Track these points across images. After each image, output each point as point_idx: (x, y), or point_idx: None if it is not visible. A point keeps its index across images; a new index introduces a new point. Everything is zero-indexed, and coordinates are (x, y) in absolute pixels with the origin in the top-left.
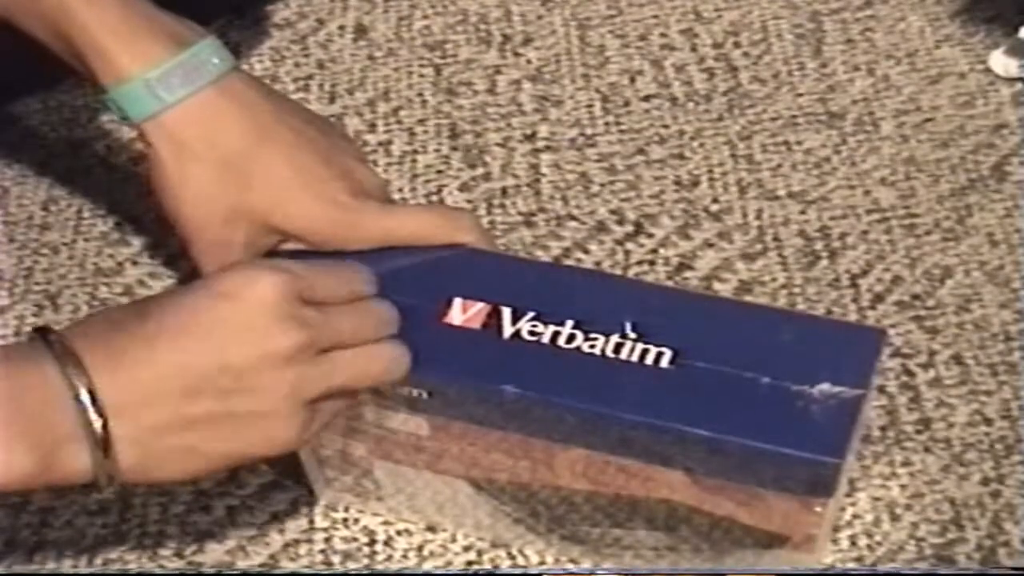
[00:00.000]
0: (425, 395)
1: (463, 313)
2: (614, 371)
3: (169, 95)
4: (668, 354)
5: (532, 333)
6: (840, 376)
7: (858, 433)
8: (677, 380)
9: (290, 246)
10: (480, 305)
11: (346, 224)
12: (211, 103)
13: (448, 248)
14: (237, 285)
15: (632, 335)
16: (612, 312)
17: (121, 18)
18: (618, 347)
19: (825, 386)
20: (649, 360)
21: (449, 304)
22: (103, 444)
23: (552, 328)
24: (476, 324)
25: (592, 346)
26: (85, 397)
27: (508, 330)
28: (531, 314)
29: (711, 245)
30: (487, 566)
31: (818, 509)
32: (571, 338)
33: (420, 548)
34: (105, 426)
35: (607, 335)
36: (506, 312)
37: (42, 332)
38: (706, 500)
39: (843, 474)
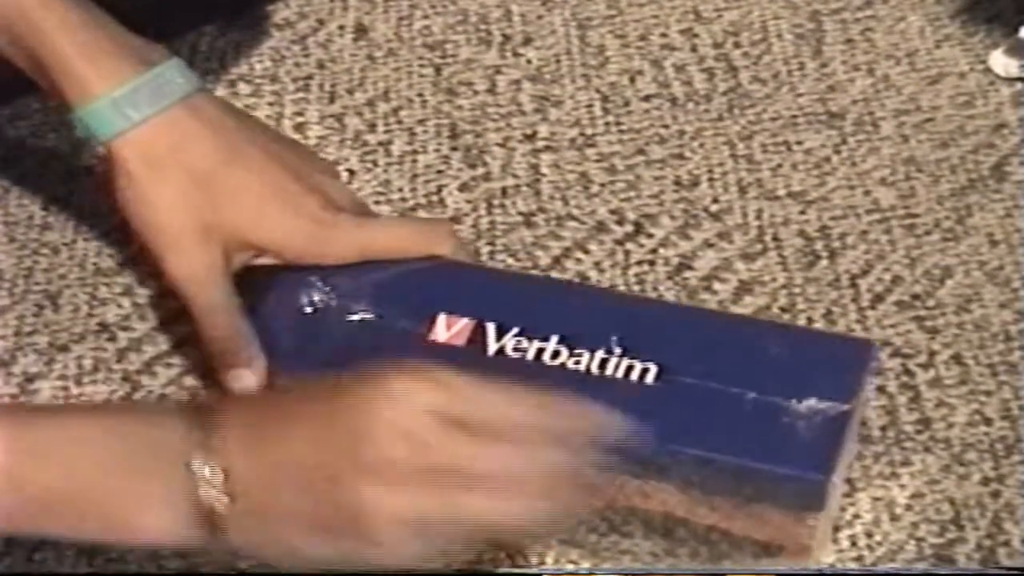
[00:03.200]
0: None
1: (447, 330)
2: (600, 388)
3: (136, 113)
4: (654, 370)
5: (517, 349)
6: (827, 391)
7: (846, 447)
8: (663, 397)
9: (264, 261)
10: (464, 321)
11: (321, 238)
12: (179, 121)
13: (429, 261)
14: (393, 393)
15: (617, 350)
16: (597, 327)
17: (89, 39)
18: (603, 363)
19: (812, 401)
20: (634, 376)
21: (433, 321)
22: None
23: (537, 344)
24: (461, 341)
25: (577, 362)
26: (218, 474)
27: (493, 347)
28: (516, 330)
29: (711, 245)
30: (487, 566)
31: (810, 523)
32: (556, 354)
33: None
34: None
35: (592, 351)
36: (491, 328)
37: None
38: (700, 513)
39: (832, 489)
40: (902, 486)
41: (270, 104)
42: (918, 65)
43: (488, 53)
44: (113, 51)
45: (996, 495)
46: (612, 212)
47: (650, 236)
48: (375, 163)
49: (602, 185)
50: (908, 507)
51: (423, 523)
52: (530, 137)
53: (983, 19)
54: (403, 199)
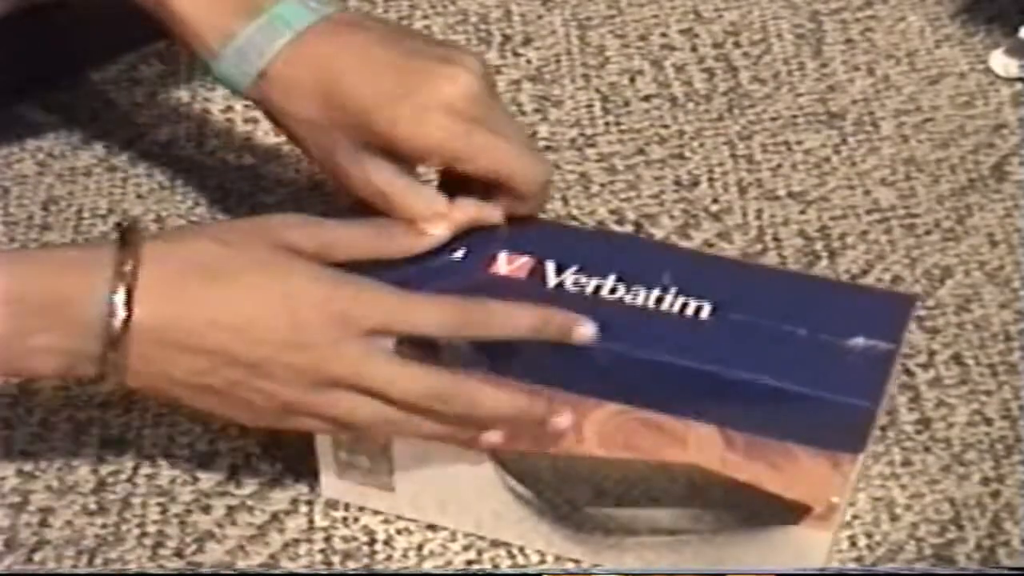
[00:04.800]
0: (464, 344)
1: (508, 265)
2: (655, 321)
3: (261, 59)
4: (707, 307)
5: (576, 284)
6: (873, 331)
7: (889, 388)
8: (716, 329)
9: None
10: (525, 259)
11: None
12: (312, 47)
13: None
14: (316, 300)
15: (673, 289)
16: (653, 269)
17: None
18: (659, 300)
19: (859, 339)
20: (689, 312)
21: (494, 258)
22: (116, 340)
23: (595, 281)
24: (521, 274)
25: (634, 298)
26: (121, 295)
27: (552, 281)
28: (574, 267)
29: (711, 245)
30: (487, 566)
31: (846, 468)
32: (613, 290)
33: (420, 547)
34: (126, 324)
35: (648, 288)
36: (550, 265)
37: (125, 230)
38: (733, 463)
39: (874, 426)
40: (902, 486)
41: None
42: (918, 65)
43: (488, 53)
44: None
45: (996, 495)
46: (612, 212)
47: (650, 236)
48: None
49: (602, 185)
50: (908, 507)
51: (310, 410)
52: (530, 137)
53: (983, 19)
54: None
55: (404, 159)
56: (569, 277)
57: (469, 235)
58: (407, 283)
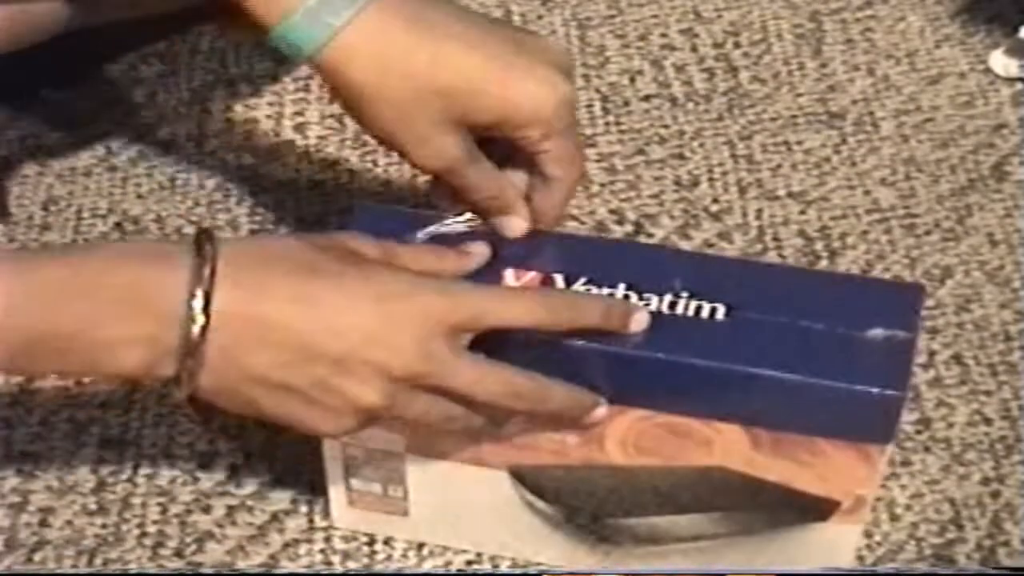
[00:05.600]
0: (482, 358)
1: (517, 281)
2: (672, 324)
3: (335, 19)
4: (722, 308)
5: None
6: (890, 322)
7: (911, 377)
8: (735, 329)
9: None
10: (532, 274)
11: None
12: (378, 18)
13: (480, 226)
14: (403, 293)
15: (684, 294)
16: (662, 275)
17: None
18: (673, 304)
19: (878, 331)
20: (704, 314)
21: (501, 275)
22: (194, 346)
23: (606, 290)
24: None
25: (647, 304)
26: (199, 301)
27: None
28: (583, 279)
29: (711, 245)
30: (487, 566)
31: (875, 457)
32: (625, 298)
33: (420, 547)
34: (203, 330)
35: (660, 294)
36: (558, 278)
37: (201, 235)
38: (760, 462)
39: (901, 416)
40: (902, 486)
41: (270, 104)
42: (918, 65)
43: None
44: None
45: (996, 495)
46: (612, 212)
47: (650, 236)
48: (375, 163)
49: (602, 185)
50: (908, 507)
51: (386, 413)
52: None
53: (983, 19)
54: (403, 199)
55: (510, 127)
56: (580, 289)
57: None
58: None
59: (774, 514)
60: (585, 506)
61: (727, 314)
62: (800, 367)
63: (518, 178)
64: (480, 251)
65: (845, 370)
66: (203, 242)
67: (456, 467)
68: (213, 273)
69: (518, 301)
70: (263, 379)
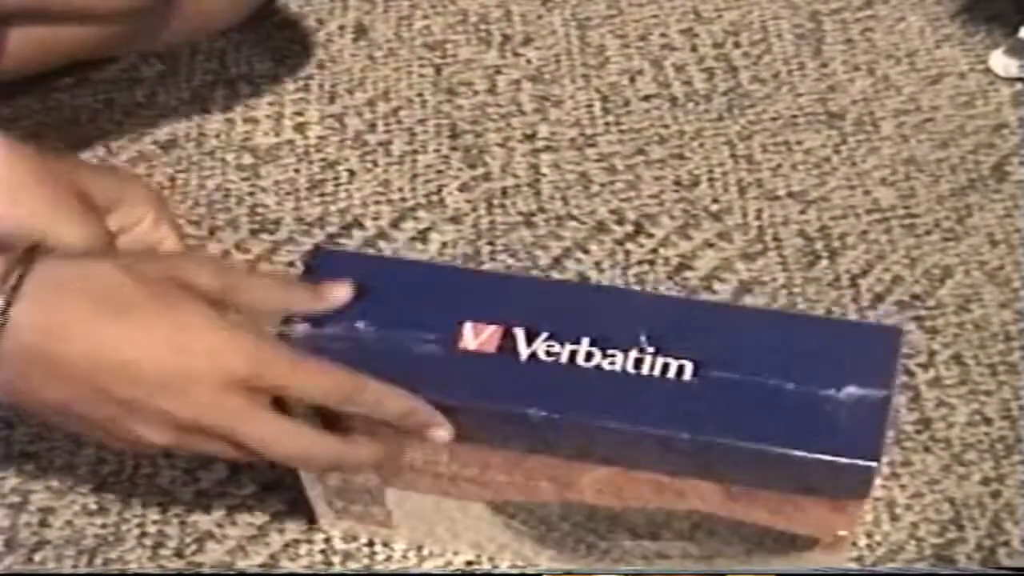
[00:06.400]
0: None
1: (475, 337)
2: (638, 386)
3: None
4: (690, 366)
5: (549, 353)
6: (864, 379)
7: (888, 432)
8: (703, 392)
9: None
10: (492, 328)
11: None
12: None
13: (439, 268)
14: (207, 347)
15: (650, 349)
16: (625, 326)
17: None
18: (638, 362)
19: (852, 389)
20: (671, 373)
21: (460, 330)
22: None
23: (569, 347)
24: (491, 348)
25: (612, 363)
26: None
27: (524, 352)
28: (545, 334)
29: (711, 245)
30: (487, 566)
31: (851, 510)
32: (589, 356)
33: (420, 547)
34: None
35: (625, 351)
36: (519, 333)
37: (33, 249)
38: (737, 510)
39: (877, 477)
40: (902, 486)
41: (270, 104)
42: (918, 65)
43: (488, 53)
44: None
45: (996, 495)
46: (612, 212)
47: (650, 236)
48: (375, 163)
49: (602, 185)
50: (908, 507)
51: (184, 447)
52: (530, 137)
53: (983, 19)
54: (403, 199)
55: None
56: (541, 346)
57: (425, 295)
58: (379, 362)
59: (755, 545)
60: (567, 532)
61: (695, 373)
62: (771, 434)
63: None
64: (339, 295)
65: (817, 436)
66: (27, 253)
67: (435, 498)
68: (18, 285)
69: (326, 379)
70: (53, 407)
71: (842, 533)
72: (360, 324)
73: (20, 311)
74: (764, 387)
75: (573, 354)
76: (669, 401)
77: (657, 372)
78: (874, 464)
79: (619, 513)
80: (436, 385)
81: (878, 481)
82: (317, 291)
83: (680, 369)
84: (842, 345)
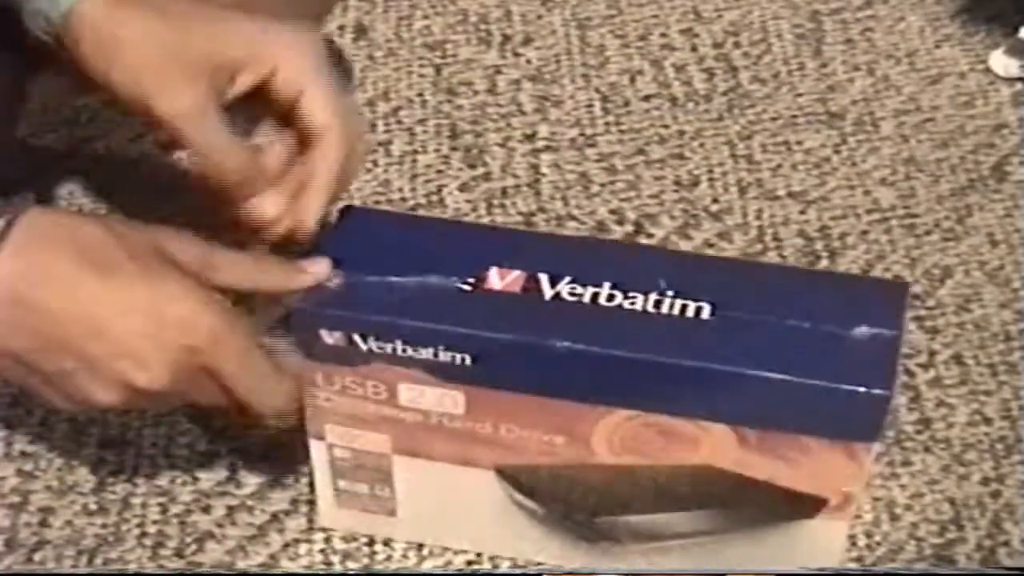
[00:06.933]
0: (468, 360)
1: (501, 280)
2: (658, 323)
3: None
4: (707, 307)
5: (572, 294)
6: (875, 320)
7: (897, 374)
8: (720, 328)
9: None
10: (517, 272)
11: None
12: None
13: (464, 225)
14: (178, 313)
15: (670, 292)
16: (647, 274)
17: None
18: (658, 303)
19: (863, 328)
20: (690, 313)
21: (485, 274)
22: None
23: (591, 289)
24: (516, 289)
25: (632, 303)
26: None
27: (548, 292)
28: (568, 278)
29: (711, 245)
30: (487, 566)
31: (862, 455)
32: (611, 297)
33: (420, 547)
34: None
35: (645, 293)
36: (543, 277)
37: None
38: (748, 461)
39: (889, 414)
40: (902, 486)
41: None
42: (918, 65)
43: (488, 53)
44: None
45: (996, 495)
46: (612, 212)
47: (650, 236)
48: (375, 163)
49: (602, 185)
50: (908, 507)
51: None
52: (530, 137)
53: (983, 19)
54: (403, 199)
55: (260, 69)
56: (565, 288)
57: (455, 251)
58: (405, 308)
59: (762, 511)
60: (574, 505)
61: (712, 313)
62: (786, 366)
63: (274, 156)
64: (318, 270)
65: (831, 369)
66: (15, 208)
67: (443, 467)
68: (3, 236)
69: (268, 385)
70: (13, 355)
71: (848, 489)
72: (391, 276)
73: (2, 257)
74: (779, 325)
75: (595, 295)
76: (687, 336)
77: (676, 311)
78: (886, 393)
79: (631, 476)
80: (462, 320)
81: (902, 421)
82: (295, 269)
83: (698, 310)
84: (853, 292)
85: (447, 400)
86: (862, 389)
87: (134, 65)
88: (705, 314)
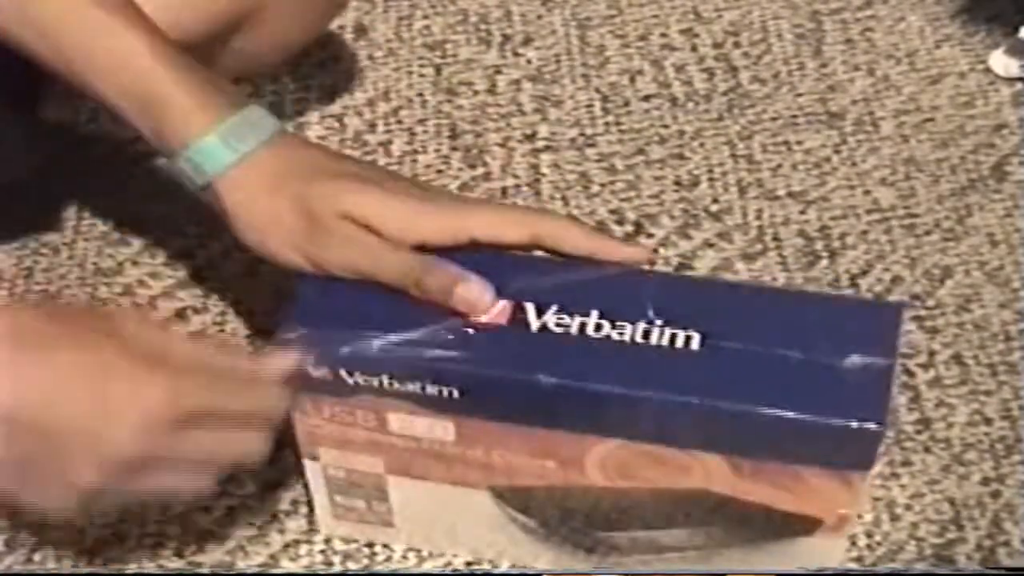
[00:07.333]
0: (456, 394)
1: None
2: (647, 356)
3: (243, 145)
4: (697, 337)
5: (559, 325)
6: (868, 348)
7: (891, 402)
8: (710, 360)
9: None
10: (503, 303)
11: (420, 212)
12: (279, 151)
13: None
14: (132, 385)
15: (658, 321)
16: (634, 302)
17: (194, 82)
18: (647, 333)
19: (856, 358)
20: (679, 344)
21: None
22: None
23: (579, 319)
24: (503, 320)
25: (621, 334)
26: None
27: (535, 323)
28: (555, 307)
29: (711, 245)
30: (487, 566)
31: (857, 483)
32: (598, 327)
33: (419, 548)
34: None
35: (633, 323)
36: (530, 307)
37: None
38: (742, 487)
39: (882, 444)
40: (902, 486)
41: (270, 104)
42: (918, 65)
43: (488, 53)
44: (214, 92)
45: (996, 495)
46: (612, 212)
47: (650, 236)
48: (375, 163)
49: (602, 185)
50: (908, 507)
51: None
52: (530, 137)
53: (983, 19)
54: None
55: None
56: (551, 318)
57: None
58: (397, 347)
59: (758, 529)
60: (570, 521)
61: (702, 343)
62: (777, 401)
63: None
64: (280, 363)
65: (823, 402)
66: None
67: (437, 486)
68: None
69: (242, 397)
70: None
71: (844, 512)
72: (372, 335)
73: None
74: (770, 356)
75: (583, 326)
76: (677, 369)
77: (665, 342)
78: (878, 428)
79: (623, 498)
80: (449, 355)
81: (902, 421)
82: (254, 359)
83: (687, 340)
84: (846, 318)
85: (437, 428)
86: (855, 424)
87: (286, 243)
88: (695, 344)
